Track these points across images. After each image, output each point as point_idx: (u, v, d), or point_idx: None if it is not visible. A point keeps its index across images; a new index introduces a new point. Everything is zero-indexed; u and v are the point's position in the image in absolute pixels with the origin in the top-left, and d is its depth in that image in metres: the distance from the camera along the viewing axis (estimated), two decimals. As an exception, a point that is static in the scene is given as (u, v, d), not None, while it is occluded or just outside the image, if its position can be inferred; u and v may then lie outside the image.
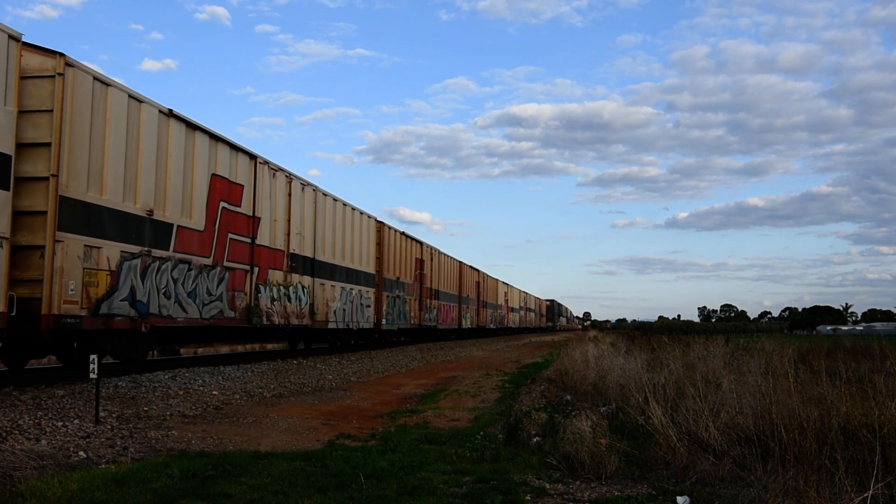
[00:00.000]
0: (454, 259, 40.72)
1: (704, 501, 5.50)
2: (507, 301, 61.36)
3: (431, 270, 34.58)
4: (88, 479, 5.69)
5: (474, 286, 45.98)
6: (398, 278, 28.70)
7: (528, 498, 5.66)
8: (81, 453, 6.99)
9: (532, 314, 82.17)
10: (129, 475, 5.86)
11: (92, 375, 8.46)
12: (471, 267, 45.35)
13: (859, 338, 29.72)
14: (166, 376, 12.77)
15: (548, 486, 6.04)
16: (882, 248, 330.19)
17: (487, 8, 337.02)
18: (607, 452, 6.49)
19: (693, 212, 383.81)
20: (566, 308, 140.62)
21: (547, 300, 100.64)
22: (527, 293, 78.67)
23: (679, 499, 5.52)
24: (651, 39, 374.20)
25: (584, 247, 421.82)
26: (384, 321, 26.70)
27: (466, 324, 43.20)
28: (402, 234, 29.79)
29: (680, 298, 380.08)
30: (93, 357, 8.48)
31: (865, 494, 4.86)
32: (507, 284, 62.55)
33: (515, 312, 67.08)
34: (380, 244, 26.34)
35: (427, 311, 33.27)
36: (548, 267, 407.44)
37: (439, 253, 36.59)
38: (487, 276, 51.59)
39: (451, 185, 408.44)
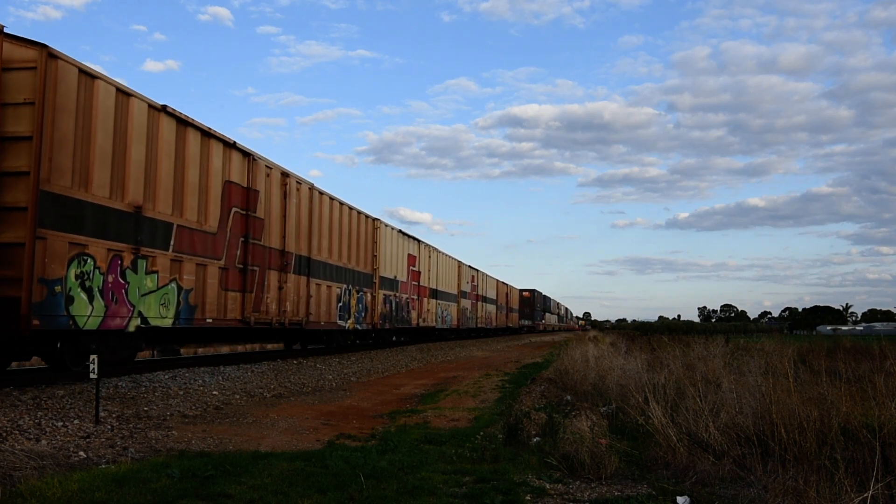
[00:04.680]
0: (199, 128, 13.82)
1: (704, 501, 5.50)
2: (424, 279, 33.28)
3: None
4: (88, 479, 5.69)
5: (295, 224, 18.33)
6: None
7: (528, 498, 5.66)
8: (81, 453, 6.98)
9: (492, 307, 53.70)
10: (129, 475, 5.86)
11: (92, 375, 8.46)
12: (258, 158, 16.11)
13: (859, 338, 29.69)
14: (166, 376, 12.77)
15: (548, 486, 6.04)
16: (882, 248, 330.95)
17: (489, 9, 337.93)
18: (607, 452, 6.49)
19: (693, 212, 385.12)
20: (556, 303, 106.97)
21: (525, 290, 74.44)
22: (481, 272, 48.62)
23: (679, 499, 5.52)
24: (652, 40, 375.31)
25: (584, 247, 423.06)
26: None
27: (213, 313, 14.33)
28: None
29: (680, 298, 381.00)
30: (93, 357, 8.48)
31: (865, 494, 4.86)
32: (437, 251, 35.84)
33: (450, 301, 38.90)
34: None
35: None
36: (548, 267, 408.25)
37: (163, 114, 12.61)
38: (361, 213, 24.24)
39: (452, 185, 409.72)
